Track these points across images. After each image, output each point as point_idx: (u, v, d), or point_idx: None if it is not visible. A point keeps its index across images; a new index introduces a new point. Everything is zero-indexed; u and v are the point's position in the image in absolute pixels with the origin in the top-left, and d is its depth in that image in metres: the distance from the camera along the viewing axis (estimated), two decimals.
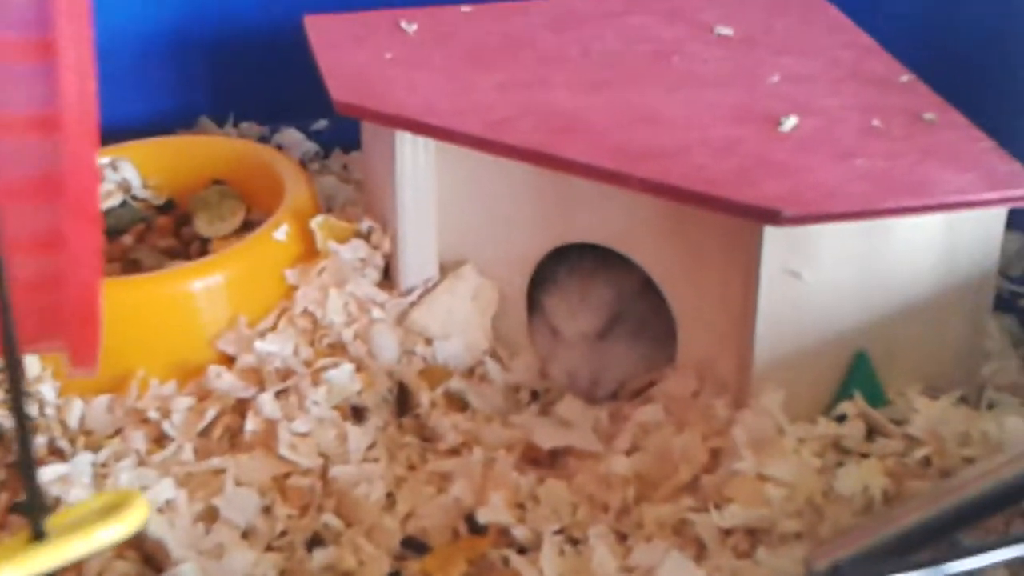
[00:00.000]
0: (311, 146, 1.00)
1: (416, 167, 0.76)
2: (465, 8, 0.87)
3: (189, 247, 0.86)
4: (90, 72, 0.46)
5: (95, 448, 0.72)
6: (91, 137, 0.47)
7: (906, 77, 0.78)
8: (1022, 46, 0.85)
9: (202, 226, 0.87)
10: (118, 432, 0.74)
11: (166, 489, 0.69)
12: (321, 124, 1.01)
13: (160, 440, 0.73)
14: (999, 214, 0.69)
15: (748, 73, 0.79)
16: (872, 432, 0.69)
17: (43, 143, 0.46)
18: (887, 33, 0.83)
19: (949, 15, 0.92)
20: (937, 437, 0.67)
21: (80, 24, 0.45)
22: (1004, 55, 0.86)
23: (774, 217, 0.65)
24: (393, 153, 0.75)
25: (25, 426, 0.44)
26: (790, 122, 0.72)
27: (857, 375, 0.70)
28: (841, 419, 0.69)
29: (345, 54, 0.81)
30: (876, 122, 0.73)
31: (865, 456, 0.67)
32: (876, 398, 0.70)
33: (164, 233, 0.87)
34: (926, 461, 0.67)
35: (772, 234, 0.66)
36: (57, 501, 0.67)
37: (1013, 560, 0.37)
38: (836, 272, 0.68)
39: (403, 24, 0.85)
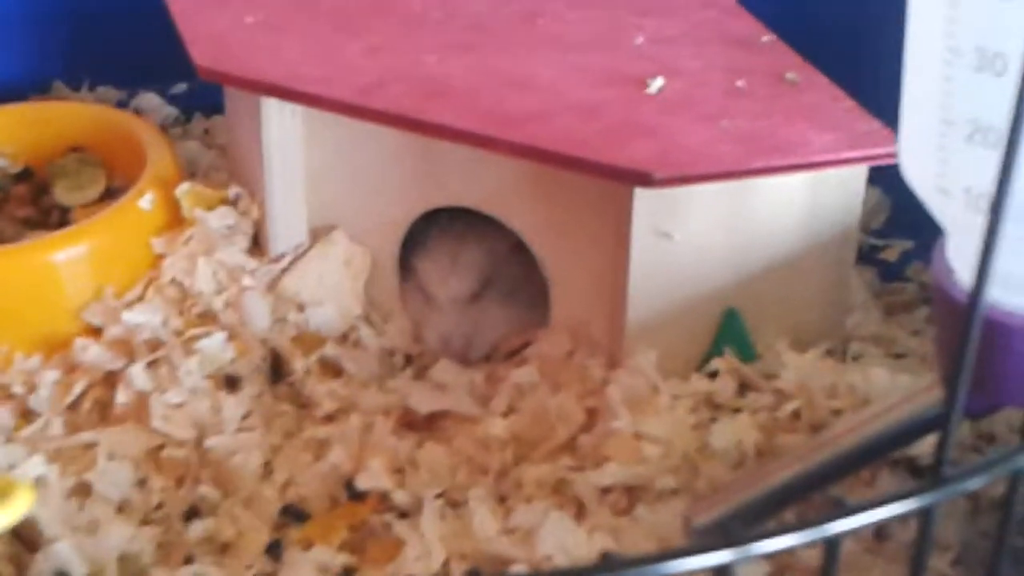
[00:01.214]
0: (171, 110, 0.98)
1: (283, 133, 0.75)
2: None
3: (49, 217, 0.84)
4: None
5: None
6: None
7: (767, 37, 0.79)
8: (880, 4, 0.86)
9: (62, 195, 0.85)
10: None
11: (36, 465, 0.67)
12: (180, 87, 0.99)
13: (27, 415, 0.72)
14: (860, 171, 0.71)
15: (613, 35, 0.79)
16: (744, 388, 0.70)
17: None
18: None
19: None
20: (806, 390, 0.69)
21: None
22: (863, 12, 0.88)
23: (645, 179, 0.65)
24: (259, 119, 0.75)
25: None
26: (656, 84, 0.73)
27: (728, 332, 0.71)
28: (713, 375, 0.71)
29: (206, 18, 0.79)
30: (740, 83, 0.74)
31: (737, 411, 0.69)
32: (747, 354, 0.71)
33: (22, 203, 0.85)
34: (796, 414, 0.68)
35: (642, 196, 0.67)
36: None
37: (892, 518, 0.39)
38: (705, 232, 0.69)
39: None
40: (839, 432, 0.62)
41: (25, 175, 0.87)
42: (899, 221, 0.87)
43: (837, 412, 0.68)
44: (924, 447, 0.64)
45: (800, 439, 0.67)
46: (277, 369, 0.74)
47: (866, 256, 0.84)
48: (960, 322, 0.42)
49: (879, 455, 0.60)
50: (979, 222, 0.42)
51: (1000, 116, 0.43)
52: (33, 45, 0.97)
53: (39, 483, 0.67)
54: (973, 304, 0.41)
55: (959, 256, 0.51)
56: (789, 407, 0.69)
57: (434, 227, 0.77)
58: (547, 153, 0.68)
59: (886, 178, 0.76)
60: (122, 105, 0.97)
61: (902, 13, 0.49)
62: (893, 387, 0.69)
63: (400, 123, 0.71)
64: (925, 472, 0.62)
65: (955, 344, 0.42)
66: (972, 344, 0.42)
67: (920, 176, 0.50)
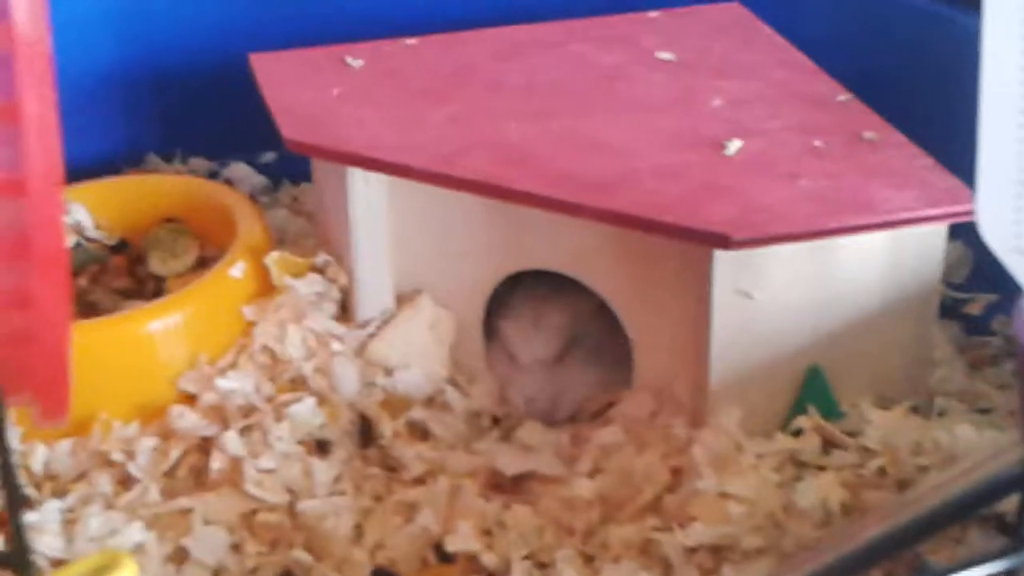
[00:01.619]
0: (260, 179, 1.00)
1: (369, 202, 0.77)
2: (409, 41, 0.88)
3: (144, 286, 0.86)
4: (54, 134, 0.47)
5: (61, 494, 0.73)
6: (56, 198, 0.47)
7: (844, 96, 0.80)
8: (951, 62, 0.87)
9: (156, 265, 0.87)
10: (83, 476, 0.74)
11: (135, 532, 0.69)
12: (269, 157, 1.02)
13: (126, 482, 0.74)
14: (941, 228, 0.71)
15: (690, 97, 0.80)
16: (828, 445, 0.71)
17: (9, 205, 0.46)
18: (822, 54, 0.85)
19: (880, 33, 0.94)
20: (891, 447, 0.69)
21: (43, 86, 0.46)
22: (935, 71, 0.88)
23: (723, 241, 0.66)
24: (345, 188, 0.76)
25: (14, 485, 0.45)
26: (734, 145, 0.74)
27: (811, 389, 0.72)
28: (797, 434, 0.71)
29: (293, 91, 0.82)
30: (818, 142, 0.74)
31: (822, 469, 0.69)
32: (830, 411, 0.72)
33: (119, 273, 0.87)
34: (881, 472, 0.69)
35: (722, 257, 0.68)
36: None
37: None
38: (786, 291, 0.70)
39: (348, 59, 0.86)
40: (925, 490, 0.62)
41: (121, 247, 0.89)
42: (982, 274, 0.87)
43: (923, 469, 0.68)
44: (1012, 503, 0.63)
45: (886, 497, 0.67)
46: (366, 433, 0.76)
47: (949, 310, 0.84)
48: None
49: (966, 513, 0.60)
50: None
51: None
52: (126, 119, 1.00)
53: (138, 550, 0.68)
54: None
55: None
56: (874, 464, 0.69)
57: (518, 289, 0.78)
58: (627, 217, 0.69)
59: (968, 232, 0.76)
60: (213, 175, 0.99)
61: (977, 72, 0.49)
62: (979, 443, 0.69)
63: (482, 190, 0.72)
64: (1013, 530, 0.62)
65: None
66: None
67: (997, 235, 0.50)
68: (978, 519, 0.65)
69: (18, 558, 0.46)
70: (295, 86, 0.82)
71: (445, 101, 0.80)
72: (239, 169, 1.01)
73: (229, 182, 0.98)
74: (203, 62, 1.00)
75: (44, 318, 0.48)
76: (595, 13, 0.92)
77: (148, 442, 0.75)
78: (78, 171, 0.91)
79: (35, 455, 0.75)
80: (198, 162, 1.01)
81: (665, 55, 0.86)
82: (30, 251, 0.47)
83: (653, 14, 0.91)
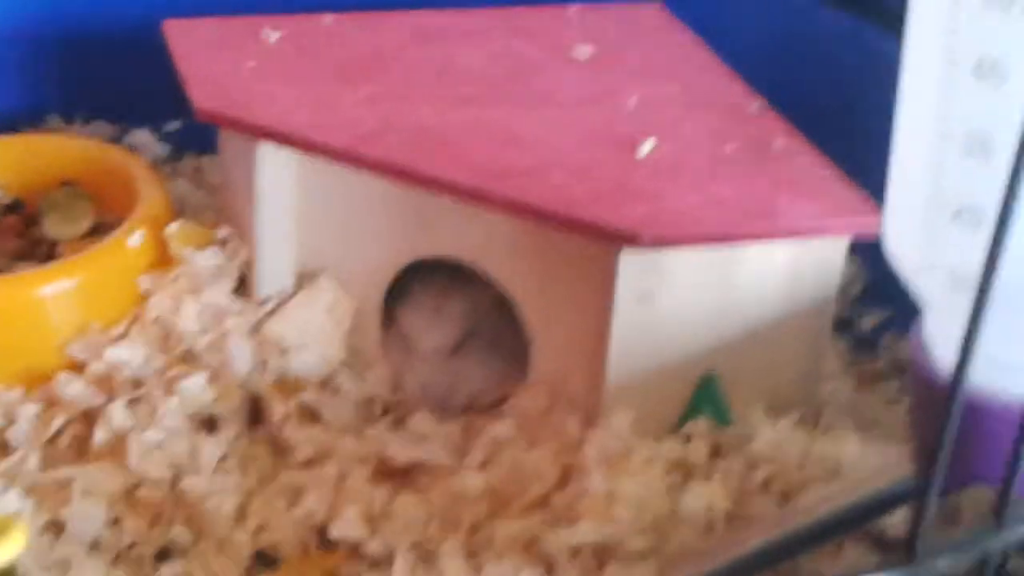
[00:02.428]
0: (162, 148, 0.98)
1: (276, 177, 0.76)
2: (328, 18, 0.87)
3: (37, 249, 0.84)
4: None
5: None
6: None
7: (757, 104, 0.80)
8: (868, 76, 0.88)
9: (51, 228, 0.85)
10: None
11: (12, 500, 0.67)
12: (173, 126, 1.00)
13: (4, 448, 0.72)
14: (842, 241, 0.72)
15: (605, 96, 0.80)
16: (717, 452, 0.71)
17: None
18: (740, 61, 0.86)
19: (798, 45, 0.94)
20: (778, 458, 0.70)
21: None
22: (855, 86, 0.89)
23: (632, 240, 0.66)
24: (253, 162, 0.75)
25: None
26: (647, 146, 0.74)
27: (704, 395, 0.72)
28: (688, 438, 0.71)
29: (207, 61, 0.80)
30: (728, 148, 0.75)
31: (709, 476, 0.69)
32: (722, 418, 0.72)
33: (11, 234, 0.85)
34: (767, 482, 0.69)
35: (628, 257, 0.68)
36: None
37: None
38: (688, 296, 0.70)
39: (266, 31, 0.84)
40: (810, 502, 0.62)
41: (15, 207, 0.87)
42: (873, 292, 0.88)
43: (808, 481, 0.69)
44: (892, 519, 0.64)
45: (770, 507, 0.68)
46: (256, 413, 0.75)
47: (840, 326, 0.85)
48: (937, 401, 0.43)
49: (850, 527, 0.61)
50: (962, 302, 0.42)
51: (988, 197, 0.44)
52: (27, 77, 0.98)
53: (14, 518, 0.66)
54: (955, 386, 0.42)
55: (939, 335, 0.51)
56: (760, 474, 0.69)
57: (418, 277, 0.78)
58: (535, 210, 0.69)
59: (865, 248, 0.77)
60: (115, 141, 0.97)
61: (894, 90, 0.50)
62: (864, 458, 0.70)
63: (393, 172, 0.72)
64: (892, 545, 0.63)
65: (930, 421, 0.43)
66: (952, 426, 0.42)
67: (903, 254, 0.51)
68: (855, 534, 0.66)
69: None
70: (209, 55, 0.81)
71: (362, 83, 0.79)
72: (141, 136, 0.98)
73: (131, 148, 0.96)
74: (113, 24, 0.98)
75: None
76: (516, 3, 0.91)
77: (31, 408, 0.73)
78: None
79: None
80: (100, 126, 0.99)
81: (583, 51, 0.85)
82: None
83: (573, 8, 0.91)
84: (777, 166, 0.74)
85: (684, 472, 0.70)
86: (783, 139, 0.76)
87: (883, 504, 0.59)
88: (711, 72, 0.84)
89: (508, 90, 0.80)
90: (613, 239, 0.67)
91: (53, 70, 0.98)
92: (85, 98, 0.99)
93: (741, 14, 0.97)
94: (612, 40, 0.87)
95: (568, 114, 0.78)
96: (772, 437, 0.71)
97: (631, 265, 0.68)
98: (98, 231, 0.84)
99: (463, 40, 0.86)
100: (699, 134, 0.76)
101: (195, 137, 0.96)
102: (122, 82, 0.98)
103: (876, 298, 0.87)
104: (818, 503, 0.60)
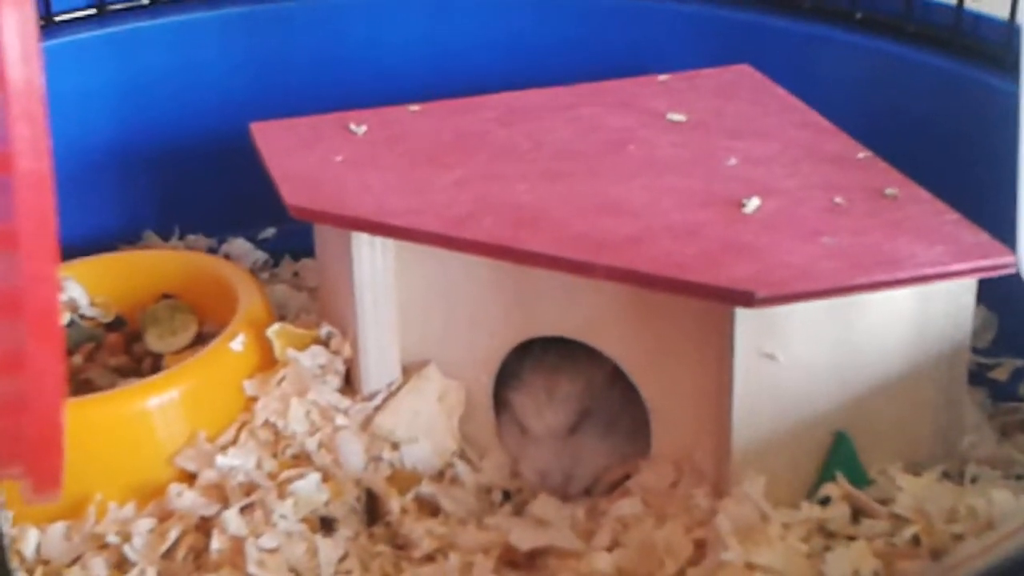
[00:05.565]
0: (260, 255, 0.98)
1: (375, 268, 0.74)
2: (413, 107, 0.86)
3: (141, 364, 0.84)
4: (48, 187, 0.44)
5: None
6: (51, 254, 0.45)
7: (863, 154, 0.78)
8: (974, 118, 0.85)
9: (153, 341, 0.84)
10: (77, 560, 0.71)
11: None
12: (269, 233, 1.00)
13: (122, 565, 0.70)
14: (970, 285, 0.68)
15: (705, 157, 0.78)
16: (857, 513, 0.68)
17: (1, 258, 0.44)
18: (837, 114, 0.83)
19: (896, 89, 0.92)
20: (924, 515, 0.66)
21: (37, 136, 0.44)
22: (956, 126, 0.86)
23: (746, 299, 0.64)
24: (350, 255, 0.74)
25: (6, 570, 0.42)
26: (753, 203, 0.72)
27: (838, 456, 0.69)
28: (825, 502, 0.68)
29: (295, 159, 0.79)
30: (839, 199, 0.72)
31: (852, 539, 0.66)
32: (858, 478, 0.69)
33: (115, 351, 0.84)
34: (915, 540, 0.65)
35: (744, 316, 0.65)
36: None
37: None
38: (810, 352, 0.67)
39: (351, 126, 0.83)
40: (963, 558, 0.59)
41: (117, 324, 0.86)
42: (1007, 339, 0.84)
43: (958, 537, 0.65)
44: None
45: (921, 566, 0.64)
46: (372, 509, 0.73)
47: (975, 376, 0.81)
48: None
49: None
50: None
51: None
52: (123, 196, 0.98)
53: None
54: None
55: None
56: (907, 533, 0.65)
57: (528, 358, 0.76)
58: (644, 276, 0.66)
59: (993, 295, 0.74)
60: (212, 252, 0.97)
61: (1003, 123, 0.47)
62: (1017, 509, 0.66)
63: (493, 252, 0.70)
64: None
65: None
66: None
67: None
68: None
69: None
70: (297, 153, 0.80)
71: (451, 165, 0.78)
72: (238, 245, 0.99)
73: (228, 258, 0.96)
74: (202, 137, 0.98)
75: (37, 380, 0.45)
76: (601, 78, 0.90)
77: (145, 523, 0.72)
78: (73, 248, 0.89)
79: (27, 539, 0.71)
80: (196, 239, 0.99)
81: (676, 116, 0.83)
82: (23, 307, 0.44)
83: (663, 77, 0.90)
84: (892, 213, 0.71)
85: (825, 537, 0.66)
86: (895, 186, 0.74)
87: None
88: (811, 126, 0.82)
89: (603, 160, 0.78)
90: (726, 299, 0.65)
91: (147, 186, 0.99)
92: (180, 213, 1.00)
93: (833, 66, 0.94)
94: (706, 103, 0.86)
95: (667, 178, 0.76)
96: (916, 493, 0.67)
97: (748, 324, 0.65)
98: (201, 342, 0.83)
99: (552, 116, 0.84)
100: (806, 187, 0.74)
101: (292, 242, 0.96)
102: (216, 194, 0.98)
103: (1010, 347, 0.84)
104: (974, 557, 0.57)
